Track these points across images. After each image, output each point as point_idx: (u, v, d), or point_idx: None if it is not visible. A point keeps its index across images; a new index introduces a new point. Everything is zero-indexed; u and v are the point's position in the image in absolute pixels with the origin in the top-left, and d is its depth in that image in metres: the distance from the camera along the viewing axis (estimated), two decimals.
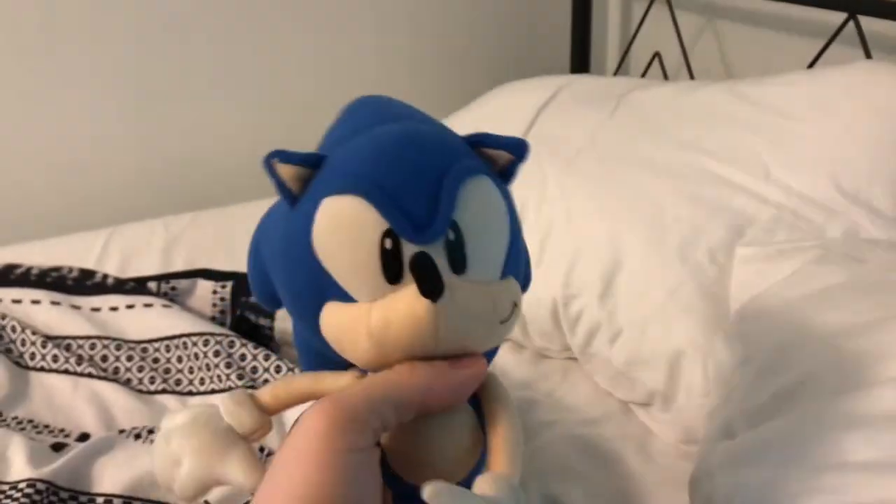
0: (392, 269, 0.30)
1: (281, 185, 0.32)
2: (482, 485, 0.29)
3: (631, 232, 0.69)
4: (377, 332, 0.30)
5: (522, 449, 0.32)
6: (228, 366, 0.67)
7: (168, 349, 0.71)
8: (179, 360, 0.70)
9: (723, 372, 0.54)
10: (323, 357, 0.34)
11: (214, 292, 0.79)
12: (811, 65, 0.86)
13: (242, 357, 0.68)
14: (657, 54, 1.13)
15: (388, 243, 0.30)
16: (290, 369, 0.66)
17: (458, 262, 0.30)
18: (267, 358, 0.67)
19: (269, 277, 0.36)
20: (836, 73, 0.72)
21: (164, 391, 0.69)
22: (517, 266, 0.34)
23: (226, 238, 0.92)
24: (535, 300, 0.70)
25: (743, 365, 0.52)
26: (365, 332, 0.30)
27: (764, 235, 0.62)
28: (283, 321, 0.76)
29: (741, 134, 0.72)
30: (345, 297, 0.31)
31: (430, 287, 0.29)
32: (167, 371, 0.70)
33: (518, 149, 0.33)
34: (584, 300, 0.68)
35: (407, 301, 0.29)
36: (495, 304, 0.31)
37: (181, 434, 0.36)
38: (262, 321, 0.75)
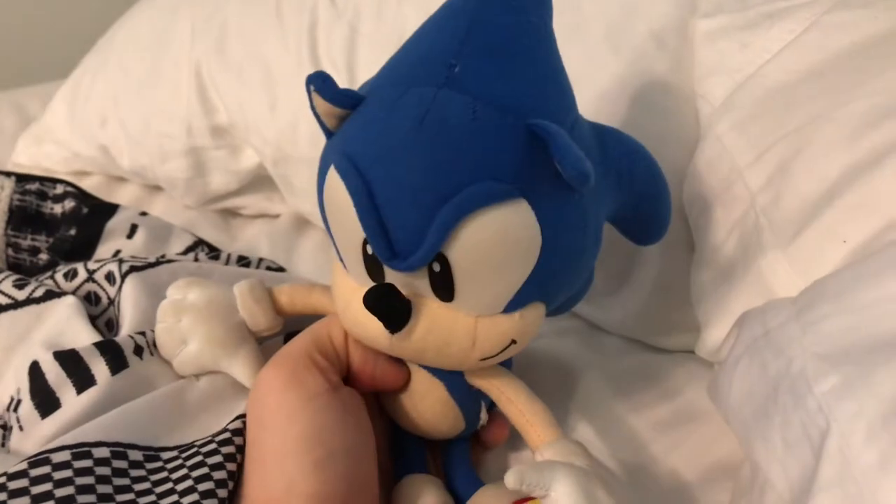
0: (374, 273, 0.29)
1: (315, 114, 0.29)
2: (546, 457, 0.29)
3: None
4: (348, 322, 0.31)
5: (549, 412, 0.31)
6: None
7: None
8: None
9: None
10: None
11: None
12: None
13: None
14: None
15: (370, 250, 0.28)
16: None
17: (444, 292, 0.28)
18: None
19: None
20: None
21: None
22: (545, 293, 0.29)
23: None
24: None
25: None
26: (342, 310, 0.31)
27: (732, 2, 0.42)
28: None
29: None
30: (340, 259, 0.31)
31: (388, 324, 0.28)
32: None
33: (574, 180, 0.26)
34: None
35: (372, 316, 0.28)
36: (477, 340, 0.29)
37: (194, 316, 0.34)
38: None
